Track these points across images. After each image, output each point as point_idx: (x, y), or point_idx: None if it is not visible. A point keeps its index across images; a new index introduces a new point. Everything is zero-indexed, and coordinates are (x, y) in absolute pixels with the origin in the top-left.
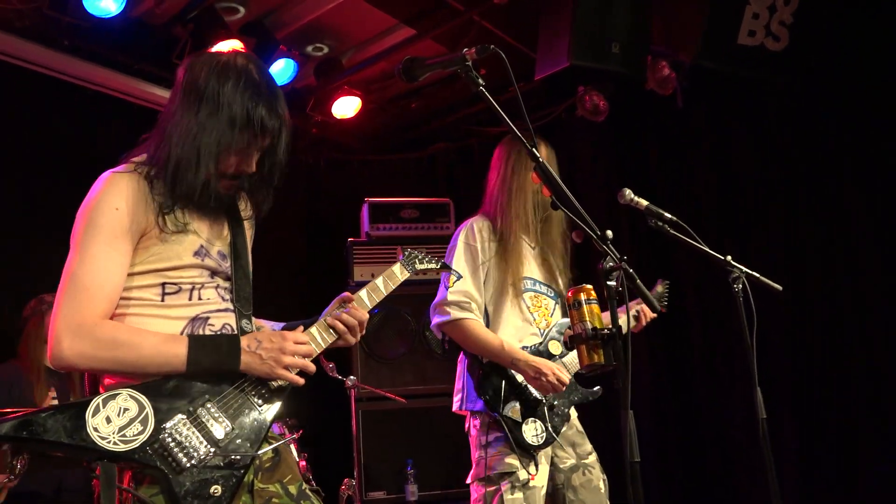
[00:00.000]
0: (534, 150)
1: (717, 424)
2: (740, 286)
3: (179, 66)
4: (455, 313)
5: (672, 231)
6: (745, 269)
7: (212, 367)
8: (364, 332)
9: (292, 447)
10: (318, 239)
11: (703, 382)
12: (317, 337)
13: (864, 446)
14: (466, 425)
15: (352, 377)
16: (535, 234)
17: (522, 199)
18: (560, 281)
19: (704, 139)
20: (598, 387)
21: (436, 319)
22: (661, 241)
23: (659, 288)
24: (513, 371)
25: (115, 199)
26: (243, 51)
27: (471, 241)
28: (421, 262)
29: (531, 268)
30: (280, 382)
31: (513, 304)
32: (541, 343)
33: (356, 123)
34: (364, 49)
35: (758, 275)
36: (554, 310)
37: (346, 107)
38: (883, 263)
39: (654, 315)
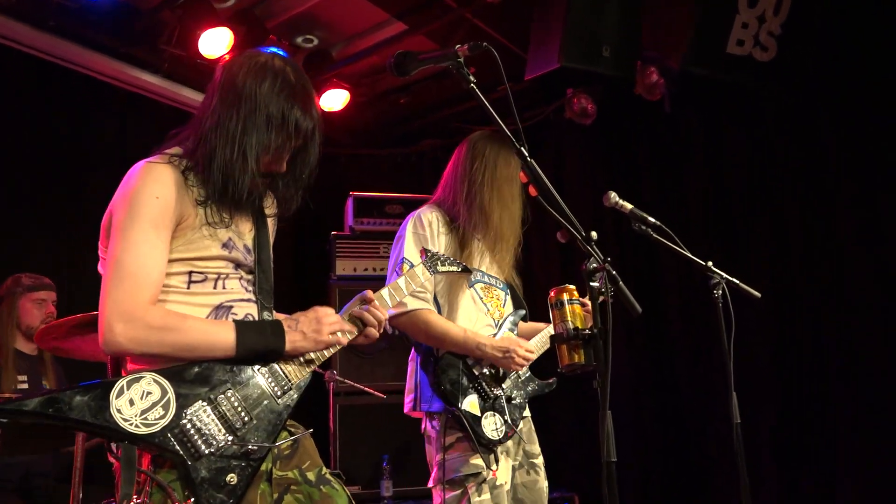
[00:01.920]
0: (522, 149)
1: (700, 424)
2: (720, 292)
3: (217, 66)
4: (412, 303)
5: (655, 235)
6: (725, 275)
7: (260, 349)
8: (383, 330)
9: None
10: (303, 232)
11: (686, 382)
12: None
13: (844, 450)
14: (423, 426)
15: (331, 371)
16: (486, 227)
17: (486, 194)
18: (508, 275)
19: (696, 143)
20: (552, 378)
21: (389, 311)
22: (646, 242)
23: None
24: (472, 361)
25: (155, 187)
26: (281, 53)
27: (419, 230)
28: (443, 265)
29: (481, 261)
30: (299, 379)
31: (466, 294)
32: (494, 335)
33: (344, 117)
34: (354, 42)
35: (737, 281)
36: (506, 301)
37: (334, 100)
38: (874, 269)
39: None
